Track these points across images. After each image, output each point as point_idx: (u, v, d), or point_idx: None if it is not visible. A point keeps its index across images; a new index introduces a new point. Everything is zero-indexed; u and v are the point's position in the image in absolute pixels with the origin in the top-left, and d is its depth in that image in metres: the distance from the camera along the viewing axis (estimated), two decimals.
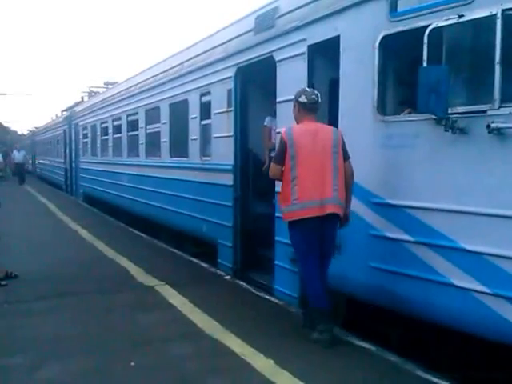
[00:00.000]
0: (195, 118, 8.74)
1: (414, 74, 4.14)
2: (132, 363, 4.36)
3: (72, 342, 4.90)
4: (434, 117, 4.09)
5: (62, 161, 23.85)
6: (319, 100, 4.96)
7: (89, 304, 6.14)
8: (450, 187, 4.09)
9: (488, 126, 3.74)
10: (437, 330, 4.31)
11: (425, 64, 4.19)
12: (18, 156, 28.93)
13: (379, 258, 4.75)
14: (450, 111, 4.00)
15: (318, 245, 4.80)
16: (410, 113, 4.59)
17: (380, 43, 4.66)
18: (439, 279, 4.16)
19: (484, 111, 3.84)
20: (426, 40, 4.18)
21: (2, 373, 4.24)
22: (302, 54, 5.75)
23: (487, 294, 3.83)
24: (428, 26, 4.17)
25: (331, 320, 4.81)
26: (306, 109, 4.93)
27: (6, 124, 53.91)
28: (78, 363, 4.40)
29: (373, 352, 4.59)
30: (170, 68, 9.99)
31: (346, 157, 4.80)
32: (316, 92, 4.99)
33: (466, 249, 3.97)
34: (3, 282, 6.85)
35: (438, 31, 4.13)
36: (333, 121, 5.37)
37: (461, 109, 4.00)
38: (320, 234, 4.77)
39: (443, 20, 4.08)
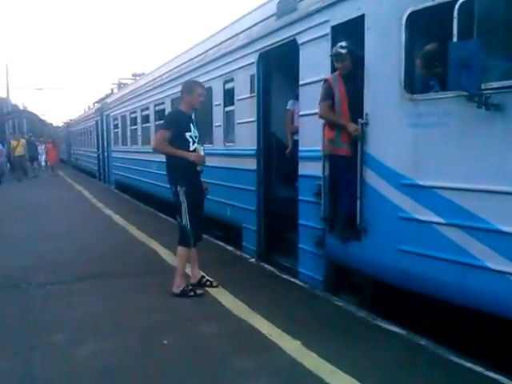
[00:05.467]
0: (219, 104, 8.48)
1: (444, 51, 3.77)
2: (165, 341, 4.27)
3: (108, 321, 4.85)
4: (465, 93, 3.69)
5: (95, 150, 23.87)
6: None
7: (122, 285, 6.07)
8: (484, 166, 3.71)
9: None
10: (470, 315, 3.96)
11: (455, 39, 3.80)
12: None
13: (408, 240, 4.39)
14: (482, 87, 3.60)
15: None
16: None
17: (407, 20, 4.27)
18: (473, 262, 3.80)
19: None
20: (455, 14, 3.79)
21: (46, 348, 4.22)
22: (326, 35, 5.39)
23: None
24: None
25: None
26: None
27: (42, 117, 54.25)
28: (113, 341, 4.36)
29: (402, 336, 4.28)
30: (195, 57, 9.72)
31: None
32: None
33: (501, 230, 3.60)
34: (199, 292, 5.57)
35: (468, 4, 3.72)
36: (353, 104, 5.03)
37: (495, 84, 3.60)
38: None
39: None
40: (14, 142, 24.60)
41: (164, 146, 5.51)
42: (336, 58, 5.17)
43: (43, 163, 32.08)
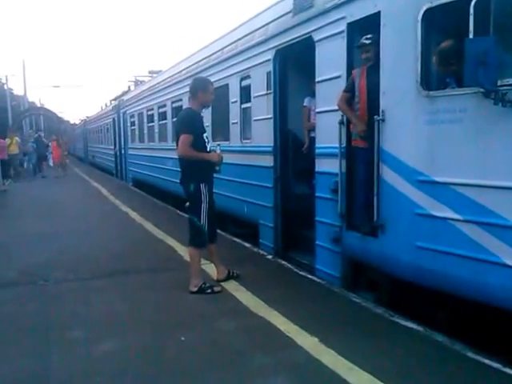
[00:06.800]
0: (235, 101, 8.55)
1: (460, 47, 3.80)
2: (182, 338, 4.32)
3: (125, 319, 4.90)
4: (482, 90, 3.73)
5: (112, 148, 24.06)
6: None
7: (139, 282, 6.15)
8: (501, 162, 3.73)
9: None
10: (488, 311, 3.98)
11: (471, 36, 3.82)
12: None
13: (425, 237, 4.42)
14: (499, 83, 3.64)
15: None
16: None
17: (423, 17, 4.30)
18: (490, 259, 3.83)
19: None
20: (471, 11, 3.80)
21: (63, 346, 4.27)
22: (342, 32, 5.43)
23: None
24: None
25: None
26: None
27: (59, 114, 54.68)
28: (132, 338, 4.39)
29: (419, 332, 4.30)
30: (212, 54, 9.80)
31: None
32: None
33: None
34: (217, 289, 5.61)
35: (484, 0, 3.73)
36: (373, 97, 5.06)
37: (511, 80, 3.63)
38: None
39: None
40: (7, 140, 23.09)
41: (191, 151, 5.39)
42: (360, 48, 5.24)
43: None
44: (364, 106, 5.23)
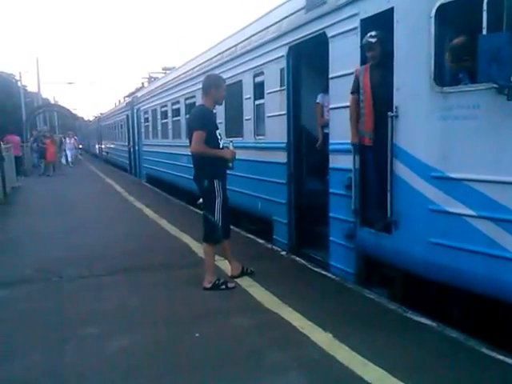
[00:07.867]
0: (249, 98, 8.59)
1: (473, 43, 3.81)
2: (196, 334, 4.35)
3: (139, 315, 4.95)
4: (495, 86, 3.74)
5: (126, 144, 24.20)
6: None
7: (153, 278, 6.19)
8: None
9: None
10: (503, 307, 3.99)
11: (484, 32, 3.83)
12: None
13: (439, 233, 4.44)
14: None
15: None
16: None
17: (436, 13, 4.31)
18: (505, 255, 3.84)
19: None
20: (485, 7, 3.82)
21: (79, 342, 4.33)
22: (355, 28, 5.45)
23: None
24: None
25: None
26: None
27: (73, 111, 55.06)
28: (146, 334, 4.44)
29: (433, 328, 4.33)
30: (225, 50, 9.84)
31: None
32: None
33: None
34: (231, 285, 5.65)
35: None
36: (386, 94, 5.08)
37: None
38: None
39: None
40: None
41: (204, 148, 5.41)
42: (366, 47, 5.25)
43: (70, 159, 31.70)
44: (369, 104, 5.24)
